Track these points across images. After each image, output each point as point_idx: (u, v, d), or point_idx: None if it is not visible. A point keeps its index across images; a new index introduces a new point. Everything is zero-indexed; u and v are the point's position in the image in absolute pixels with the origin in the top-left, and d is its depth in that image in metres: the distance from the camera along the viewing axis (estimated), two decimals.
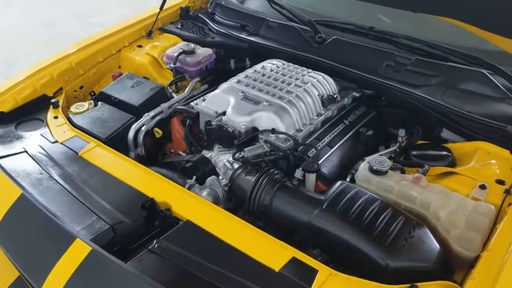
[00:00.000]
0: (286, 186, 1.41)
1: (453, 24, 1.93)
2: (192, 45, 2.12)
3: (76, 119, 1.78)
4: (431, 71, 1.75)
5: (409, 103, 1.71)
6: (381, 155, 1.59)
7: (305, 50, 2.00)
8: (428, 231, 1.25)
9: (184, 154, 1.80)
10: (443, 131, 1.71)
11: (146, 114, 1.81)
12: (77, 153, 1.55)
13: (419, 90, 1.70)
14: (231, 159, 1.54)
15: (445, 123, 1.66)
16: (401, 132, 1.70)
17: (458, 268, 1.23)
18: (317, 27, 2.03)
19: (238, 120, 1.63)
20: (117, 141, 1.69)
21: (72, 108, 1.83)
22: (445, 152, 1.58)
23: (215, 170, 1.61)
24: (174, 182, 1.44)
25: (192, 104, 1.81)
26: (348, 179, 1.53)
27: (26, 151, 1.58)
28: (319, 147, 1.59)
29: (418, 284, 1.08)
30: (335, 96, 1.79)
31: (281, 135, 1.56)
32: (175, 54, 2.05)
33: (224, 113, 1.69)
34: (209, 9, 2.47)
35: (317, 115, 1.72)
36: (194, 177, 1.51)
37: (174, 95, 1.98)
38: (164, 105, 1.86)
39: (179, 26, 2.42)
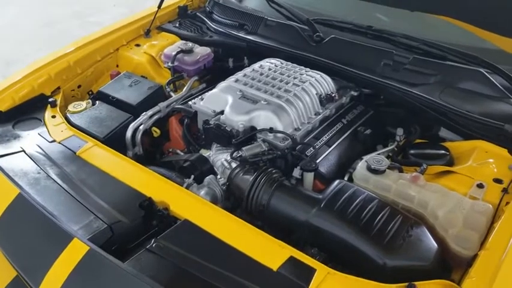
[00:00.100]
0: (284, 186, 1.41)
1: (451, 23, 1.93)
2: (190, 44, 2.12)
3: (74, 118, 1.78)
4: (429, 70, 1.75)
5: (407, 102, 1.71)
6: (378, 154, 1.59)
7: (303, 49, 2.00)
8: (426, 230, 1.25)
9: (182, 153, 1.79)
10: (441, 129, 1.71)
11: (144, 113, 1.81)
12: (75, 153, 1.55)
13: (417, 89, 1.70)
14: (229, 158, 1.54)
15: (443, 122, 1.67)
16: (399, 131, 1.70)
17: (456, 267, 1.23)
18: (315, 26, 2.03)
19: (236, 119, 1.63)
20: (115, 141, 1.69)
21: (70, 108, 1.83)
22: (443, 151, 1.58)
23: (213, 169, 1.61)
24: (172, 181, 1.44)
25: (190, 103, 1.81)
26: (345, 178, 1.54)
27: (23, 150, 1.58)
28: (317, 146, 1.59)
29: (416, 283, 1.08)
30: (333, 95, 1.79)
31: (279, 134, 1.56)
32: (174, 53, 2.05)
33: (222, 112, 1.68)
34: (207, 8, 2.47)
35: (315, 114, 1.72)
36: (192, 176, 1.51)
37: (172, 94, 1.98)
38: (162, 104, 1.86)
39: (177, 25, 2.41)
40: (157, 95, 1.94)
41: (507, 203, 1.33)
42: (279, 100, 1.66)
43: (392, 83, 1.75)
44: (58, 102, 1.86)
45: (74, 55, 2.08)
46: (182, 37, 2.29)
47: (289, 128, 1.62)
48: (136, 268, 1.12)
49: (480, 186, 1.39)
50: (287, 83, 1.76)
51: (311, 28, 2.03)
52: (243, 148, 1.51)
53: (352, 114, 1.80)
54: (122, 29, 2.30)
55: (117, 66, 2.25)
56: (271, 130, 1.56)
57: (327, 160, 1.56)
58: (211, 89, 1.84)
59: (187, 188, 1.45)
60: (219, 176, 1.56)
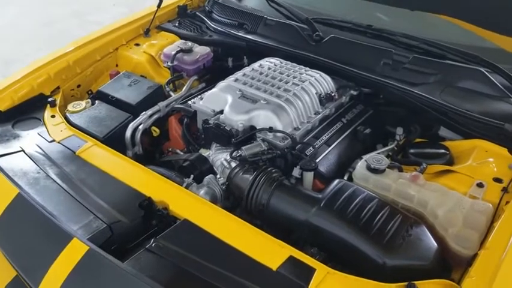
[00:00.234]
0: (284, 185, 1.41)
1: (451, 22, 1.93)
2: (189, 43, 2.12)
3: (73, 118, 1.77)
4: (429, 69, 1.75)
5: (407, 101, 1.71)
6: (378, 153, 1.59)
7: (303, 48, 2.00)
8: (426, 229, 1.25)
9: (181, 153, 1.79)
10: (441, 129, 1.71)
11: (144, 112, 1.81)
12: (74, 152, 1.55)
13: (417, 88, 1.70)
14: (228, 157, 1.54)
15: (442, 122, 1.66)
16: (399, 131, 1.70)
17: (456, 266, 1.23)
18: (315, 25, 2.02)
19: (235, 119, 1.63)
20: (114, 140, 1.69)
21: (69, 107, 1.83)
22: (442, 150, 1.58)
23: (213, 168, 1.61)
24: (171, 180, 1.44)
25: (189, 102, 1.80)
26: (345, 178, 1.54)
27: (23, 150, 1.58)
28: (316, 146, 1.59)
29: (415, 282, 1.08)
30: (333, 94, 1.78)
31: (279, 134, 1.56)
32: (173, 53, 2.05)
33: (222, 112, 1.68)
34: (207, 8, 2.47)
35: (315, 113, 1.72)
36: (192, 176, 1.51)
37: (171, 93, 1.98)
38: (162, 104, 1.86)
39: (177, 24, 2.41)
40: (156, 94, 1.94)
41: (507, 202, 1.32)
42: (278, 99, 1.66)
43: (392, 82, 1.75)
44: (57, 102, 1.86)
45: (73, 55, 2.08)
46: (182, 36, 2.29)
47: (289, 128, 1.62)
48: (135, 268, 1.12)
49: (480, 185, 1.39)
50: (287, 83, 1.76)
51: (310, 27, 2.03)
52: (243, 147, 1.50)
53: (351, 113, 1.80)
54: (122, 28, 2.30)
55: (117, 65, 2.25)
56: (270, 129, 1.56)
57: (326, 159, 1.56)
58: (210, 89, 1.84)
59: (186, 187, 1.45)
60: (218, 176, 1.56)
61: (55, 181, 1.43)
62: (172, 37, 2.30)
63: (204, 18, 2.39)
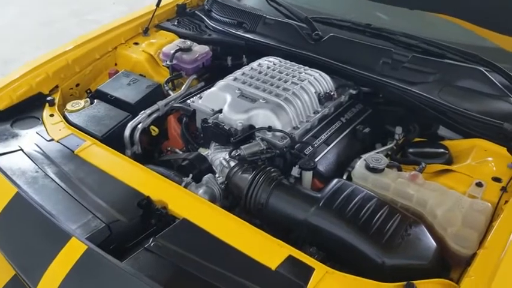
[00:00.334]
0: (283, 184, 1.41)
1: (450, 21, 1.93)
2: (188, 42, 2.12)
3: (72, 117, 1.77)
4: (428, 68, 1.75)
5: (406, 100, 1.71)
6: (377, 152, 1.59)
7: (302, 47, 1.99)
8: (425, 229, 1.25)
9: (180, 152, 1.79)
10: (440, 128, 1.71)
11: (142, 112, 1.81)
12: (73, 152, 1.55)
13: (416, 87, 1.70)
14: (227, 157, 1.54)
15: (442, 121, 1.66)
16: (398, 130, 1.69)
17: (454, 266, 1.23)
18: (314, 24, 2.02)
19: (234, 118, 1.63)
20: (113, 139, 1.68)
21: (68, 106, 1.83)
22: (441, 150, 1.57)
23: (212, 168, 1.61)
24: (170, 180, 1.44)
25: (188, 101, 1.80)
26: (344, 177, 1.53)
27: (21, 149, 1.58)
28: (315, 145, 1.58)
29: (414, 282, 1.08)
30: (332, 93, 1.78)
31: (278, 133, 1.56)
32: (172, 52, 2.04)
33: (221, 111, 1.68)
34: (206, 6, 2.46)
35: (314, 112, 1.72)
36: (190, 175, 1.51)
37: (170, 92, 1.98)
38: (161, 103, 1.85)
39: (176, 23, 2.41)
40: (155, 93, 1.94)
41: (506, 202, 1.32)
42: (277, 99, 1.65)
43: (391, 81, 1.75)
44: (56, 101, 1.85)
45: (72, 53, 2.07)
46: (181, 35, 2.29)
47: (288, 127, 1.61)
48: (134, 267, 1.11)
49: (479, 184, 1.39)
50: (286, 82, 1.75)
51: (310, 26, 2.03)
52: (242, 147, 1.50)
53: (350, 112, 1.79)
54: (121, 27, 2.29)
55: (116, 64, 2.25)
56: (269, 129, 1.56)
57: (325, 159, 1.56)
58: (209, 88, 1.84)
59: (185, 186, 1.45)
60: (217, 175, 1.56)
61: (53, 180, 1.43)
62: (172, 36, 2.30)
63: (203, 17, 2.39)
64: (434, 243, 1.21)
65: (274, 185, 1.40)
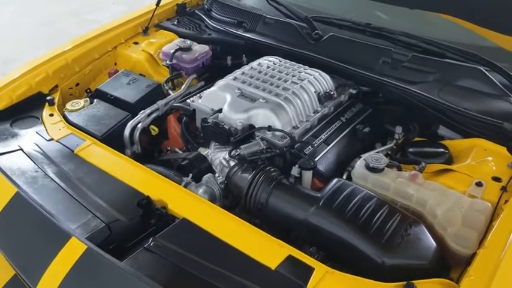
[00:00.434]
0: (283, 184, 1.41)
1: (450, 20, 1.93)
2: (188, 42, 2.11)
3: (72, 117, 1.77)
4: (428, 68, 1.75)
5: (406, 100, 1.71)
6: (377, 152, 1.59)
7: (302, 47, 1.99)
8: (425, 228, 1.24)
9: (180, 152, 1.79)
10: (440, 128, 1.71)
11: (142, 111, 1.80)
12: (73, 151, 1.55)
13: (416, 87, 1.70)
14: (227, 156, 1.53)
15: (441, 120, 1.66)
16: (398, 129, 1.69)
17: (454, 266, 1.23)
18: (314, 23, 2.02)
19: (234, 118, 1.63)
20: (113, 139, 1.68)
21: (68, 106, 1.83)
22: (441, 149, 1.57)
23: (211, 167, 1.61)
24: (170, 179, 1.44)
25: (188, 101, 1.80)
26: (344, 176, 1.53)
27: (21, 149, 1.57)
28: (315, 145, 1.58)
29: (414, 281, 1.08)
30: (332, 93, 1.78)
31: (277, 133, 1.56)
32: (172, 51, 2.04)
33: (220, 110, 1.68)
34: (206, 6, 2.46)
35: (313, 112, 1.72)
36: (190, 174, 1.51)
37: (170, 92, 1.98)
38: (160, 103, 1.85)
39: (175, 23, 2.40)
40: (155, 93, 1.93)
41: (506, 201, 1.32)
42: (277, 98, 1.65)
43: (391, 80, 1.75)
44: (56, 101, 1.85)
45: (71, 53, 2.07)
46: (180, 35, 2.28)
47: (288, 126, 1.61)
48: (134, 267, 1.11)
49: (479, 184, 1.38)
50: (285, 81, 1.75)
51: (309, 26, 2.02)
52: (241, 146, 1.50)
53: (350, 112, 1.79)
54: (120, 27, 2.29)
55: (115, 64, 2.25)
56: (269, 128, 1.56)
57: (325, 158, 1.55)
58: (209, 87, 1.84)
59: (185, 186, 1.45)
60: (217, 175, 1.56)
61: (53, 180, 1.42)
62: (171, 35, 2.30)
63: (203, 16, 2.38)
64: (434, 243, 1.21)
65: (274, 184, 1.39)
